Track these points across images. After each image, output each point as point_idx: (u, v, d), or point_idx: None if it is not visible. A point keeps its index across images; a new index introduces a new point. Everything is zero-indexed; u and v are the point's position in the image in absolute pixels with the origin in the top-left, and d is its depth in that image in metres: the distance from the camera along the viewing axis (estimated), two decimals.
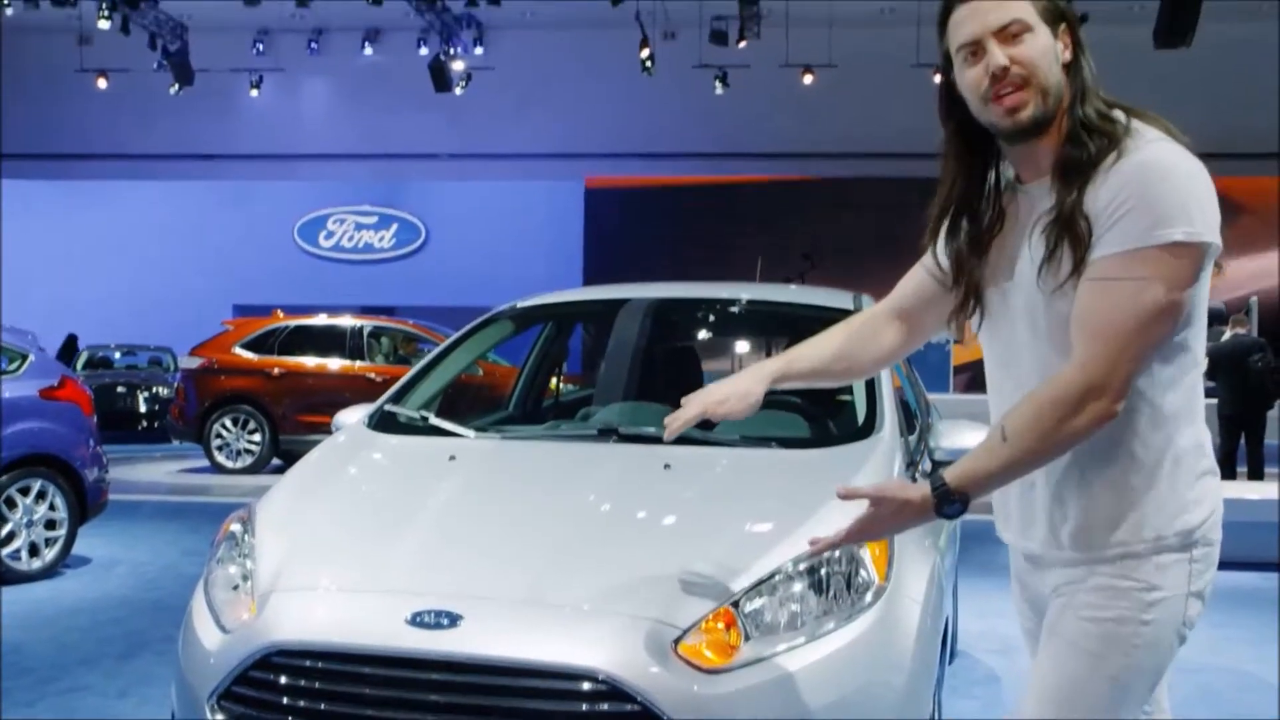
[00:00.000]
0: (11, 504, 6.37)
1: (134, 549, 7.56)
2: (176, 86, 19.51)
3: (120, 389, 15.88)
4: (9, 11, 17.76)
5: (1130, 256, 1.74)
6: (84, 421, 6.90)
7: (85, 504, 6.79)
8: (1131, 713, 1.89)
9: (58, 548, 6.62)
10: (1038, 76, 1.82)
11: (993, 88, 1.83)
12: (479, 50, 20.54)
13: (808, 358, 2.28)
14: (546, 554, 2.60)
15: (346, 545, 2.76)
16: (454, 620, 2.37)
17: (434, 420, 3.52)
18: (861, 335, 2.26)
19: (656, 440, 3.25)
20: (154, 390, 15.96)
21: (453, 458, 3.16)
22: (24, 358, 6.75)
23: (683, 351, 4.71)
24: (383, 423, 3.57)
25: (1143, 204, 1.74)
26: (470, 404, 6.95)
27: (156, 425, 15.48)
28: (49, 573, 6.56)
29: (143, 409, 15.90)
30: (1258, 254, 18.62)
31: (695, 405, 2.27)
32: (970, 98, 1.88)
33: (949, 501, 1.84)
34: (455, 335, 4.20)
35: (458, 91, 19.71)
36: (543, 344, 4.86)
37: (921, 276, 2.17)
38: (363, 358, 12.47)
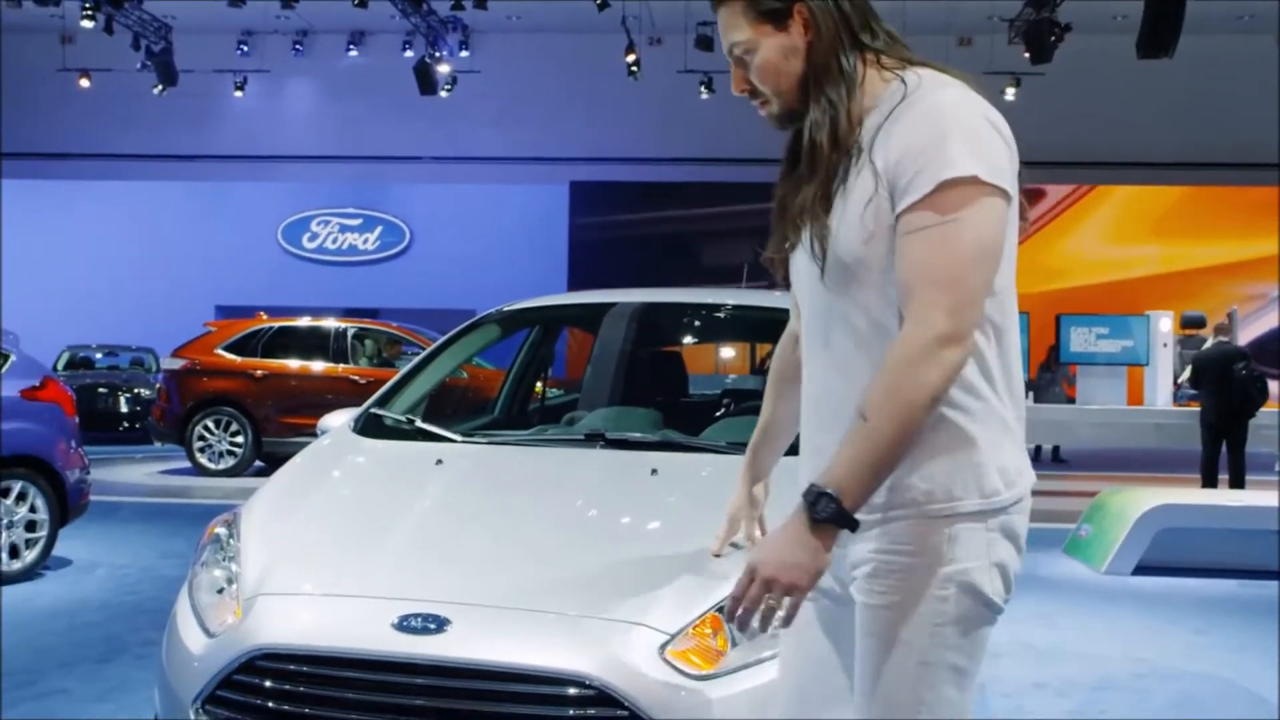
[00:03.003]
0: None
1: (114, 551, 7.52)
2: (160, 87, 19.41)
3: (102, 389, 15.78)
4: None
5: (933, 200, 1.68)
6: (65, 422, 6.85)
7: (66, 505, 6.74)
8: (960, 692, 1.76)
9: (38, 549, 6.57)
10: (765, 88, 1.85)
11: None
12: (464, 53, 20.52)
13: (759, 433, 2.28)
14: (534, 559, 2.60)
15: (332, 549, 2.74)
16: (441, 624, 2.37)
17: (420, 424, 3.52)
18: (786, 375, 2.20)
19: (643, 445, 3.26)
20: (136, 391, 15.87)
21: (439, 462, 3.15)
22: (5, 358, 6.70)
23: (668, 356, 4.72)
24: (368, 426, 3.55)
25: (932, 145, 1.68)
26: (455, 407, 6.93)
27: (138, 426, 15.38)
28: (28, 575, 6.50)
29: (124, 410, 15.80)
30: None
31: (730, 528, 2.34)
32: None
33: (816, 500, 1.68)
34: (441, 339, 4.20)
35: (443, 94, 19.69)
36: (528, 348, 4.86)
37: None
38: (346, 360, 12.43)
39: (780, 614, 1.72)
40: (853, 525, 1.68)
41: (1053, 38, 15.66)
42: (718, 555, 2.28)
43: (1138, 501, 7.48)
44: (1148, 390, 13.02)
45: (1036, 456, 15.38)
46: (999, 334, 1.78)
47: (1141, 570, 7.16)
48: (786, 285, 1.97)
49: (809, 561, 1.69)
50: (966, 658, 1.76)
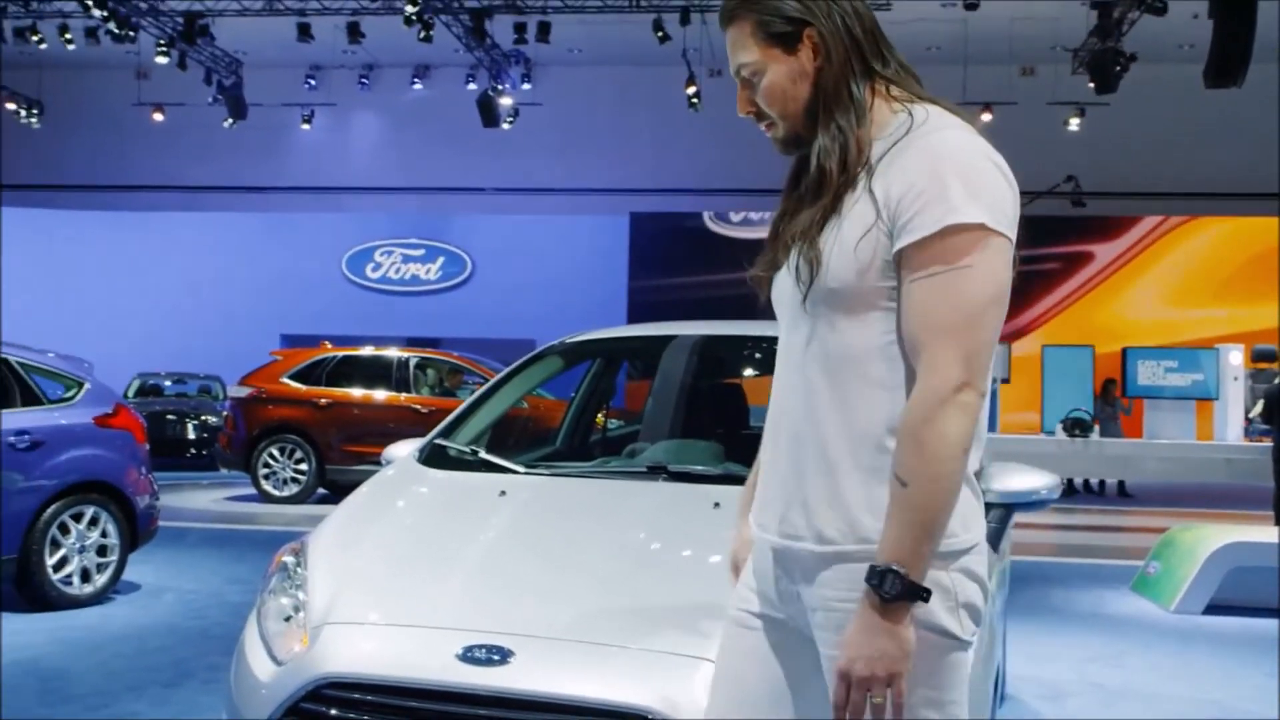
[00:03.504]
0: (65, 530, 6.46)
1: (181, 576, 7.64)
2: (230, 120, 19.89)
3: (170, 417, 16.08)
4: (70, 47, 18.23)
5: (939, 244, 1.65)
6: (136, 449, 7.00)
7: (136, 531, 6.88)
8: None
9: (108, 574, 6.70)
10: (772, 111, 1.82)
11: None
12: (526, 86, 20.77)
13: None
14: (598, 591, 2.61)
15: (398, 579, 2.78)
16: (505, 656, 2.39)
17: (484, 455, 3.55)
18: None
19: (705, 478, 3.26)
20: (203, 418, 16.15)
21: (503, 493, 3.18)
22: (80, 385, 6.87)
23: (729, 388, 4.72)
24: (433, 457, 3.59)
25: (936, 185, 1.65)
26: (518, 438, 6.99)
27: (205, 453, 15.66)
28: (99, 598, 6.64)
29: (192, 437, 16.08)
30: None
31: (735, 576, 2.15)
32: None
33: (882, 580, 1.63)
34: (505, 370, 4.24)
35: (505, 126, 19.93)
36: (590, 380, 4.88)
37: None
38: (409, 389, 12.57)
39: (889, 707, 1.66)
40: (925, 595, 1.64)
41: (1118, 67, 15.50)
42: None
43: (1208, 539, 7.32)
44: (1218, 425, 12.77)
45: (1101, 491, 15.14)
46: None
47: (1212, 610, 6.99)
48: (769, 306, 1.93)
49: (892, 645, 1.63)
50: (948, 688, 1.72)
